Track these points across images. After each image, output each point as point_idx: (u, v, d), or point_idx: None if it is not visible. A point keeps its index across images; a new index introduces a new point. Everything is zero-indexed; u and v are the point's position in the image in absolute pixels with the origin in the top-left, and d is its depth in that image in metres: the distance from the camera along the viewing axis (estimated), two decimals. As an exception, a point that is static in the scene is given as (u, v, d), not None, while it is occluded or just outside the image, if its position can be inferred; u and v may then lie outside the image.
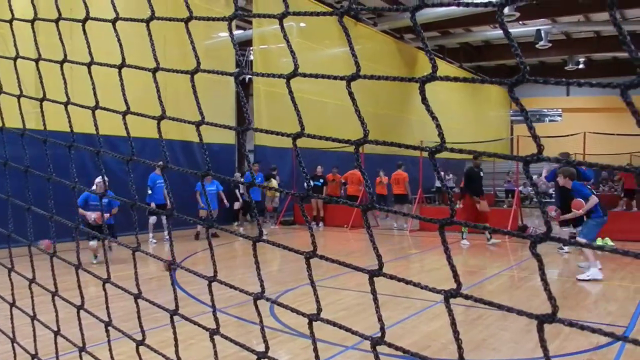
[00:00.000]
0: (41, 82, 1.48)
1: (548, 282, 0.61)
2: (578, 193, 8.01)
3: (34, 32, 1.51)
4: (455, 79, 0.69)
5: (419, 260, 10.21)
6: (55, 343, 1.56)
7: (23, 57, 1.53)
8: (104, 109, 1.21)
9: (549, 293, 0.60)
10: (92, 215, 8.32)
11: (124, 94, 1.18)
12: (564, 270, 8.94)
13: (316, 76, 0.82)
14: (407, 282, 0.72)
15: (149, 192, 11.49)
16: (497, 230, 0.69)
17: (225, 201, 12.57)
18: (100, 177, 8.52)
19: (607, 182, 22.28)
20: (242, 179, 14.33)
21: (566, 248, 10.79)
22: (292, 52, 0.81)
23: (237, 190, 14.25)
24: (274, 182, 14.57)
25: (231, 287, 1.00)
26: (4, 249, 1.87)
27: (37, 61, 1.43)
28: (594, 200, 7.89)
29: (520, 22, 21.72)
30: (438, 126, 0.67)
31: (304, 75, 0.81)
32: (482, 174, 12.09)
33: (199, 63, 0.97)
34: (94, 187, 8.41)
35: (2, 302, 1.85)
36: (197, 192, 12.50)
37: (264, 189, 15.04)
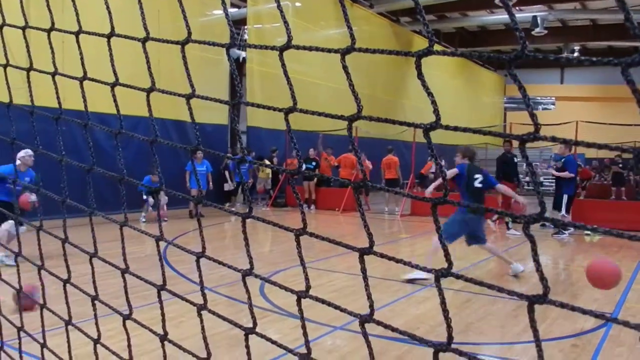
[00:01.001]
0: (28, 51, 1.44)
1: (540, 263, 0.60)
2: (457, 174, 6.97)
3: (21, 0, 1.47)
4: (453, 54, 0.68)
5: (410, 245, 10.28)
6: (42, 316, 1.55)
7: (9, 25, 1.49)
8: (92, 79, 1.18)
9: (541, 274, 0.59)
10: (31, 197, 5.84)
11: (112, 65, 1.15)
12: (555, 256, 9.04)
13: (310, 49, 0.79)
14: (397, 261, 0.71)
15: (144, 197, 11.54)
16: (491, 209, 0.68)
17: (210, 183, 12.59)
18: (25, 151, 6.93)
19: (598, 172, 22.46)
20: (230, 162, 14.29)
21: (567, 233, 10.82)
22: (285, 22, 0.79)
23: (226, 172, 14.24)
24: (267, 163, 14.66)
25: (219, 263, 0.99)
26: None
27: (23, 29, 1.39)
28: (438, 182, 7.24)
29: (517, 8, 21.62)
30: (433, 102, 0.66)
31: (298, 47, 0.79)
32: (516, 159, 11.42)
33: (190, 33, 0.95)
34: (17, 163, 6.21)
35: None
36: (187, 172, 12.52)
37: (257, 170, 15.03)
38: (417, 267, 0.71)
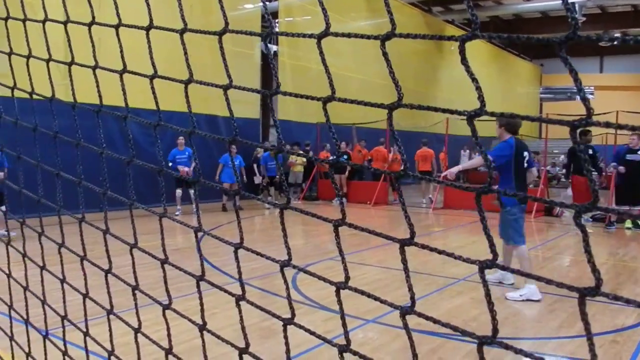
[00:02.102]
0: (69, 45, 1.48)
1: (592, 254, 0.58)
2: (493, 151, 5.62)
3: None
4: (499, 37, 0.65)
5: (442, 238, 10.16)
6: (84, 305, 1.60)
7: (52, 20, 1.52)
8: (132, 72, 1.20)
9: (593, 265, 0.57)
10: None
11: (151, 58, 1.16)
12: (595, 250, 8.76)
13: (349, 36, 0.78)
14: (440, 252, 0.69)
15: (170, 164, 11.64)
16: (552, 202, 0.65)
17: (244, 177, 12.80)
18: None
19: None
20: (260, 156, 14.44)
21: (615, 227, 10.46)
22: (323, 9, 0.78)
23: (254, 166, 14.35)
24: (299, 160, 14.84)
25: (258, 254, 1.00)
26: (35, 217, 1.91)
27: (65, 24, 1.43)
28: (480, 160, 5.58)
29: (554, -5, 20.99)
30: (478, 88, 0.64)
31: (337, 34, 0.78)
32: (591, 151, 10.09)
33: (227, 23, 0.94)
34: None
35: (33, 268, 1.90)
36: (220, 165, 12.64)
37: (291, 164, 15.09)
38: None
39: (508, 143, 5.50)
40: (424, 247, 0.71)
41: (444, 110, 0.71)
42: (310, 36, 0.81)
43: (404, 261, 0.75)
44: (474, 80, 0.63)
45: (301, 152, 14.92)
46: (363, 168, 0.99)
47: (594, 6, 22.22)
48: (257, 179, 14.39)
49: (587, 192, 10.08)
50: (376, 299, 0.80)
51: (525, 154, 5.62)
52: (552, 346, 4.23)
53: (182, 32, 1.04)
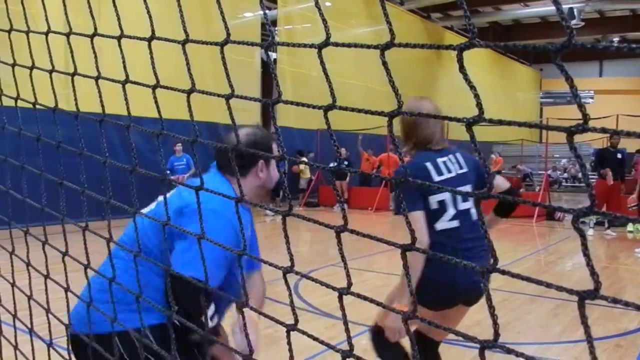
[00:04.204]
0: (72, 56, 1.49)
1: (591, 257, 0.59)
2: None
3: (64, 5, 1.52)
4: (496, 45, 0.67)
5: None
6: (88, 314, 1.61)
7: (54, 32, 1.54)
8: (134, 82, 1.22)
9: (592, 269, 0.57)
10: None
11: (153, 68, 1.18)
12: (596, 254, 8.77)
13: (349, 45, 0.79)
14: (440, 258, 0.70)
15: (167, 172, 11.63)
16: (555, 207, 0.66)
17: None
18: None
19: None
20: None
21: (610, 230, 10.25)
22: (323, 20, 0.79)
23: None
24: (302, 166, 14.89)
25: (261, 261, 1.01)
26: (39, 226, 1.91)
27: (68, 35, 1.44)
28: None
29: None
30: (476, 96, 0.65)
31: (337, 44, 0.79)
32: (620, 155, 9.79)
33: (229, 34, 0.96)
34: None
35: (36, 277, 1.91)
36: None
37: (294, 171, 15.11)
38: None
39: None
40: (424, 252, 0.72)
41: (444, 118, 0.72)
42: (312, 46, 0.82)
43: (406, 267, 0.76)
44: (472, 87, 0.64)
45: (304, 159, 14.96)
46: (369, 176, 1.00)
47: (593, 11, 22.30)
48: None
49: (608, 196, 9.62)
50: (378, 304, 0.81)
51: None
52: (555, 351, 4.22)
53: (184, 43, 1.05)
